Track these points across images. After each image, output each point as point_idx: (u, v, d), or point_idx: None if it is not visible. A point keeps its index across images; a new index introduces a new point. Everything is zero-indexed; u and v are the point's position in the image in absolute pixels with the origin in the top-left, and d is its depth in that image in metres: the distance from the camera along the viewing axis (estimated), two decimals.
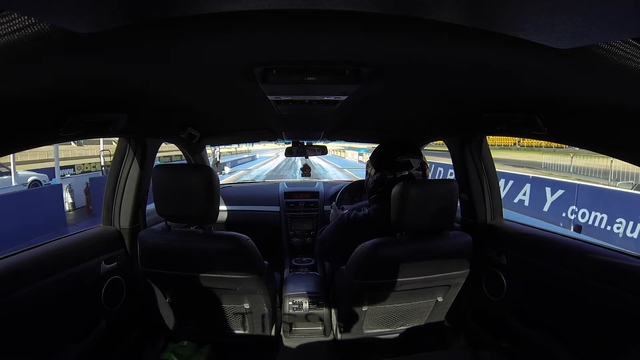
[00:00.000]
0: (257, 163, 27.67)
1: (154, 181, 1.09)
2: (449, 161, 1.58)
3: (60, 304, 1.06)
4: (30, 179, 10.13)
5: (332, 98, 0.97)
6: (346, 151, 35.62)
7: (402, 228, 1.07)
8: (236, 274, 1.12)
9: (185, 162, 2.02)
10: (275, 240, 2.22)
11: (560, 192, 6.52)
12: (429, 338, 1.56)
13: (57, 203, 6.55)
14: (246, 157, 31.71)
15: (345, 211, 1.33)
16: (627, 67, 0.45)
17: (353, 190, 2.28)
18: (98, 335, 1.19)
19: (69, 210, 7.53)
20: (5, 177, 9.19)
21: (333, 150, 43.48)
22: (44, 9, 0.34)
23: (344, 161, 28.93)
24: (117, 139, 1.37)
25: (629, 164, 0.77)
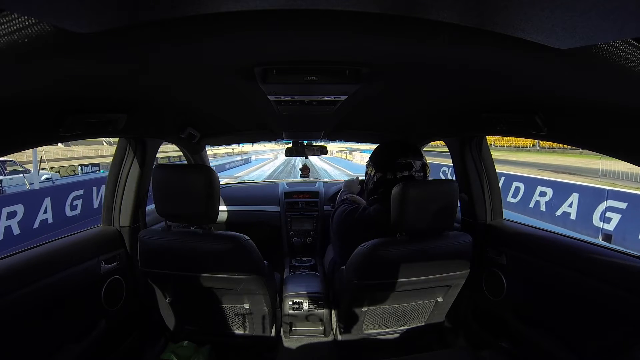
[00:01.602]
0: (250, 167, 24.42)
1: (154, 181, 1.09)
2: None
3: (60, 304, 1.06)
4: (43, 177, 10.34)
5: (332, 98, 0.97)
6: (353, 153, 31.74)
7: (402, 228, 1.07)
8: (236, 274, 1.12)
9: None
10: (275, 240, 2.22)
11: None
12: (429, 338, 1.56)
13: None
14: (238, 160, 28.36)
15: (359, 206, 1.32)
16: (627, 67, 0.45)
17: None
18: (98, 335, 1.19)
19: None
20: (20, 175, 9.26)
21: (336, 151, 41.54)
22: (44, 9, 0.34)
23: (352, 165, 25.55)
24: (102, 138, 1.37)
25: None
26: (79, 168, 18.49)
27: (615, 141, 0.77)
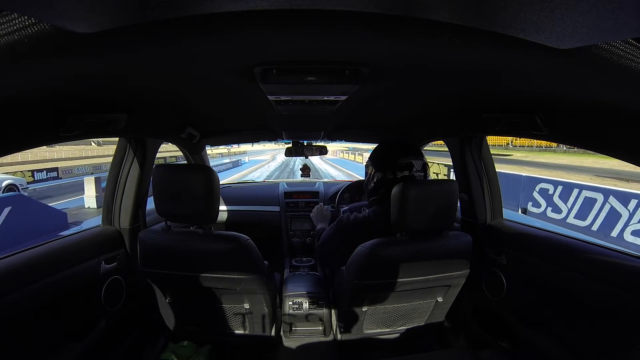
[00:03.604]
0: (240, 172, 20.72)
1: (154, 181, 1.09)
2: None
3: (60, 304, 1.07)
4: (5, 183, 9.06)
5: (332, 98, 0.97)
6: (363, 154, 26.74)
7: (402, 228, 1.07)
8: (236, 274, 1.12)
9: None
10: (275, 240, 2.22)
11: None
12: (429, 338, 1.56)
13: None
14: (227, 163, 23.46)
15: (344, 214, 1.33)
16: (627, 67, 0.45)
17: (353, 190, 2.28)
18: (98, 335, 1.19)
19: None
20: None
21: (340, 151, 39.18)
22: (44, 9, 0.34)
23: (361, 167, 19.73)
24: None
25: None
26: (33, 174, 14.56)
27: (615, 141, 0.77)
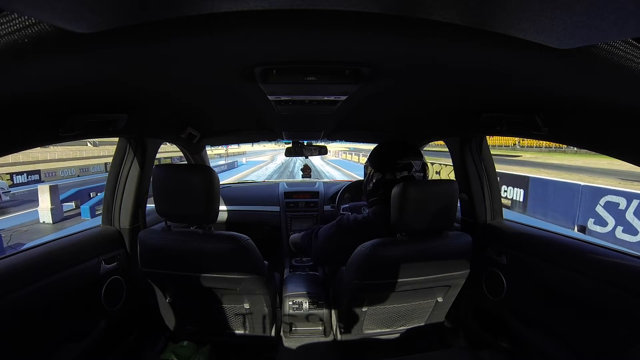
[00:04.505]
0: (236, 174, 19.46)
1: (153, 181, 1.09)
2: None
3: (60, 304, 1.07)
4: None
5: (332, 98, 0.97)
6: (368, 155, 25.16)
7: (402, 228, 1.07)
8: (236, 274, 1.12)
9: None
10: (275, 240, 2.22)
11: None
12: (429, 338, 1.56)
13: None
14: (221, 165, 21.68)
15: (344, 213, 1.32)
16: (627, 67, 0.46)
17: (353, 190, 2.28)
18: (98, 335, 1.19)
19: None
20: None
21: (342, 152, 38.25)
22: (44, 9, 0.34)
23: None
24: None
25: None
26: (11, 177, 13.55)
27: (616, 141, 0.77)
